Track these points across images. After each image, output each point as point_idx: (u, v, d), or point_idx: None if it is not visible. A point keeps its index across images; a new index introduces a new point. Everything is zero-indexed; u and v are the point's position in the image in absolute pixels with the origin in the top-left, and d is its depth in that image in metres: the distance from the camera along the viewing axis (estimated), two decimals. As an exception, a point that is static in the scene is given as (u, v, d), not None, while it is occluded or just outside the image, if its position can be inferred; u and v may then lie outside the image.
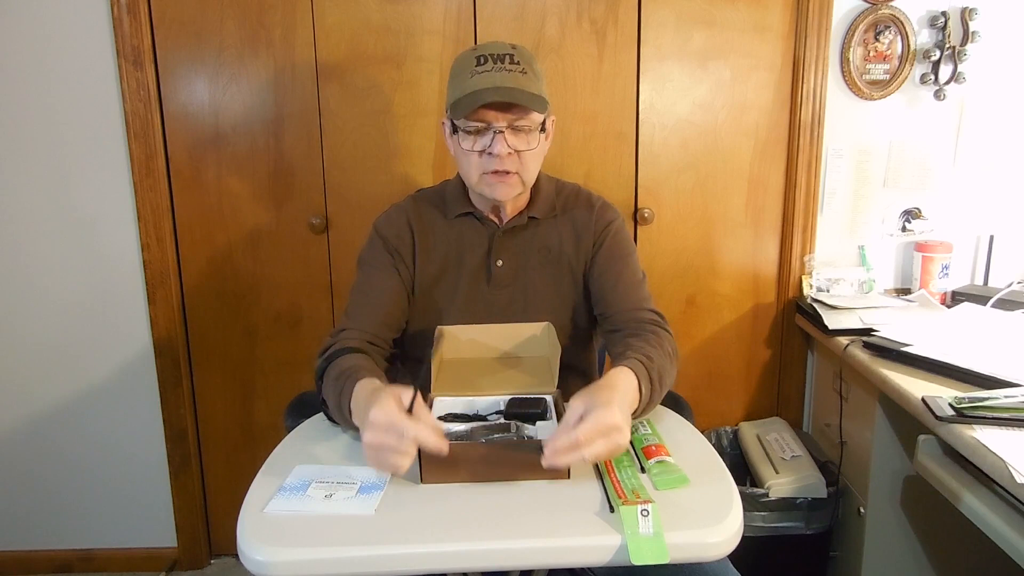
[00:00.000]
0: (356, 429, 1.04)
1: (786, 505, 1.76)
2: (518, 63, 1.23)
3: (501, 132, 1.22)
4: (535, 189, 1.37)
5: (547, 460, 0.93)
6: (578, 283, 1.37)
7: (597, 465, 1.03)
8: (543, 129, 1.27)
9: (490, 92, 1.19)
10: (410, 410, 0.94)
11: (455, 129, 1.26)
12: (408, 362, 1.40)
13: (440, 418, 1.12)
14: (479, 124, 1.22)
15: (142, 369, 2.04)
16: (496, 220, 1.36)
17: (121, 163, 1.92)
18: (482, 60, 1.23)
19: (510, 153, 1.23)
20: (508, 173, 1.25)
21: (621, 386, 1.04)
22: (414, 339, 1.37)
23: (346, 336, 1.25)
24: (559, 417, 1.09)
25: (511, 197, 1.30)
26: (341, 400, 1.08)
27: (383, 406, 0.93)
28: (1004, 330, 1.61)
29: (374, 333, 1.29)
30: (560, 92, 1.91)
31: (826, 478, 1.77)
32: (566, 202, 1.40)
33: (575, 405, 0.96)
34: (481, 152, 1.24)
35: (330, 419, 1.19)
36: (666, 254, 2.02)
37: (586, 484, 0.99)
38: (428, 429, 0.93)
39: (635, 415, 1.08)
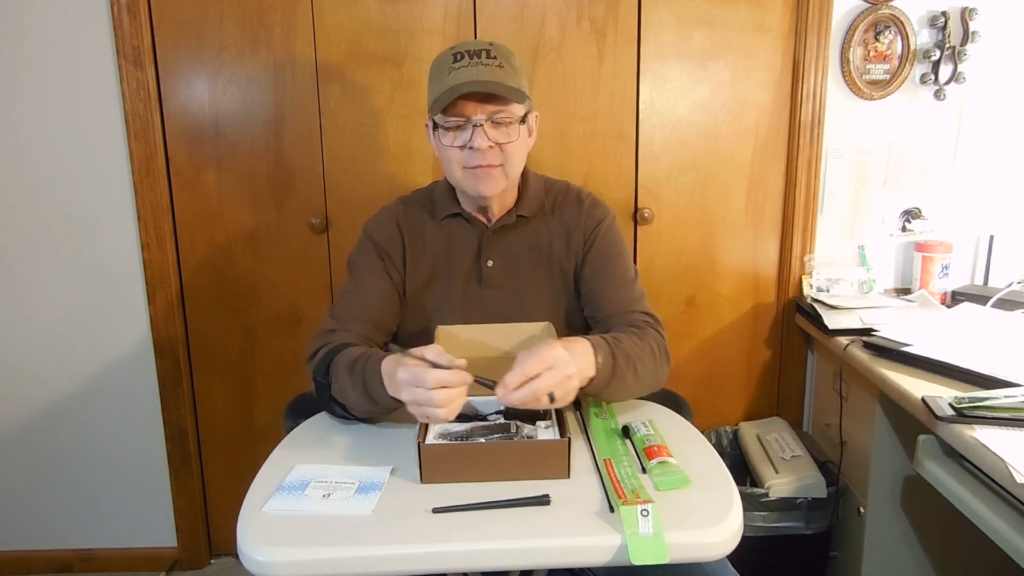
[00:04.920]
0: (390, 409, 1.12)
1: (786, 505, 1.76)
2: (495, 58, 1.23)
3: (480, 126, 1.21)
4: (523, 187, 1.37)
5: (501, 397, 0.99)
6: (569, 282, 1.37)
7: (597, 465, 1.03)
8: (524, 122, 1.27)
9: (467, 85, 1.20)
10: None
11: (436, 127, 1.26)
12: None
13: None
14: (458, 119, 1.22)
15: (142, 369, 2.04)
16: (484, 220, 1.36)
17: (121, 163, 1.92)
18: (459, 57, 1.23)
19: (491, 146, 1.23)
20: (491, 166, 1.24)
21: (568, 342, 1.08)
22: (409, 342, 1.36)
23: (339, 337, 1.25)
24: (559, 418, 1.09)
25: (496, 192, 1.29)
26: (369, 384, 1.11)
27: (406, 366, 1.02)
28: (1004, 330, 1.61)
29: (364, 335, 1.29)
30: (560, 92, 1.91)
31: (826, 478, 1.77)
32: (555, 200, 1.39)
33: (521, 354, 1.01)
34: (462, 147, 1.24)
35: (335, 414, 1.20)
36: (666, 254, 2.02)
37: (586, 484, 0.99)
38: (443, 372, 0.99)
39: (592, 383, 1.10)
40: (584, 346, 1.09)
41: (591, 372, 1.08)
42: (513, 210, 1.35)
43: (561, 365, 1.01)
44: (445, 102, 1.20)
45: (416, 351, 1.03)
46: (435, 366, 1.00)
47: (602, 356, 1.10)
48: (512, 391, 0.98)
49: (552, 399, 1.00)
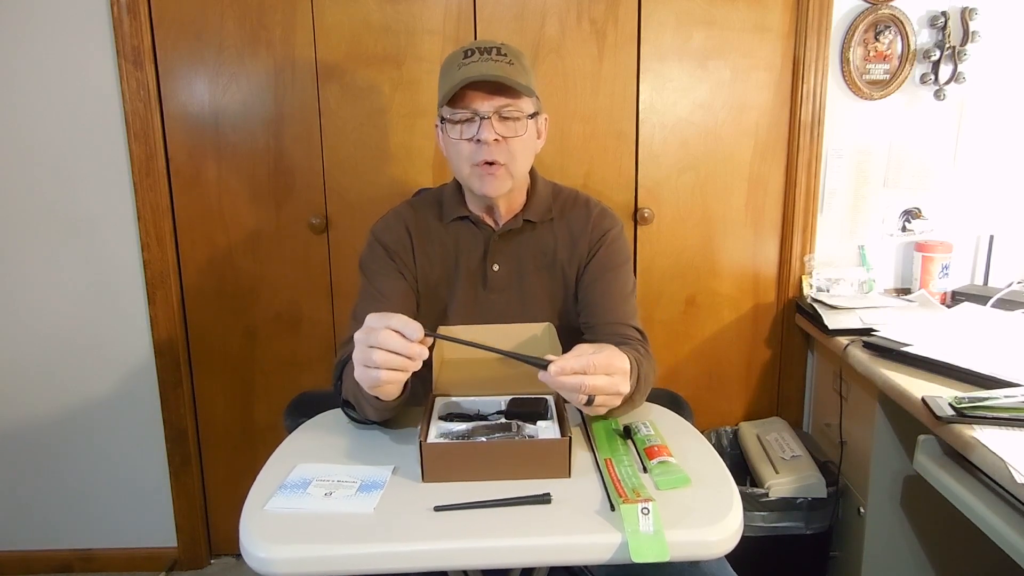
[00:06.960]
0: (379, 421, 1.13)
1: (786, 505, 1.76)
2: (505, 55, 1.24)
3: (487, 118, 1.22)
4: (531, 191, 1.36)
5: (551, 376, 0.97)
6: (571, 289, 1.37)
7: (598, 464, 1.03)
8: (533, 119, 1.27)
9: (475, 77, 1.20)
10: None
11: (443, 121, 1.27)
12: None
13: (441, 417, 1.12)
14: (466, 112, 1.23)
15: (142, 369, 2.04)
16: (492, 224, 1.36)
17: (121, 163, 1.92)
18: (469, 53, 1.24)
19: (497, 140, 1.22)
20: (496, 165, 1.24)
21: (627, 354, 1.07)
22: None
23: None
24: (560, 417, 1.09)
25: (502, 192, 1.28)
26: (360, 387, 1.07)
27: (365, 327, 1.00)
28: (1004, 330, 1.62)
29: None
30: (560, 92, 1.91)
31: (826, 478, 1.77)
32: (563, 206, 1.39)
33: (584, 345, 1.00)
34: (469, 140, 1.24)
35: (352, 419, 1.19)
36: (666, 254, 2.02)
37: (587, 483, 0.99)
38: (405, 318, 0.98)
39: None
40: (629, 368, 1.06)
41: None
42: (520, 215, 1.35)
43: (619, 379, 1.00)
44: (452, 93, 1.21)
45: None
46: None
47: (632, 379, 1.08)
48: (566, 374, 0.97)
49: (589, 402, 0.99)
